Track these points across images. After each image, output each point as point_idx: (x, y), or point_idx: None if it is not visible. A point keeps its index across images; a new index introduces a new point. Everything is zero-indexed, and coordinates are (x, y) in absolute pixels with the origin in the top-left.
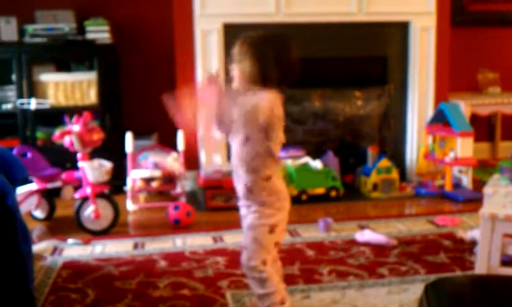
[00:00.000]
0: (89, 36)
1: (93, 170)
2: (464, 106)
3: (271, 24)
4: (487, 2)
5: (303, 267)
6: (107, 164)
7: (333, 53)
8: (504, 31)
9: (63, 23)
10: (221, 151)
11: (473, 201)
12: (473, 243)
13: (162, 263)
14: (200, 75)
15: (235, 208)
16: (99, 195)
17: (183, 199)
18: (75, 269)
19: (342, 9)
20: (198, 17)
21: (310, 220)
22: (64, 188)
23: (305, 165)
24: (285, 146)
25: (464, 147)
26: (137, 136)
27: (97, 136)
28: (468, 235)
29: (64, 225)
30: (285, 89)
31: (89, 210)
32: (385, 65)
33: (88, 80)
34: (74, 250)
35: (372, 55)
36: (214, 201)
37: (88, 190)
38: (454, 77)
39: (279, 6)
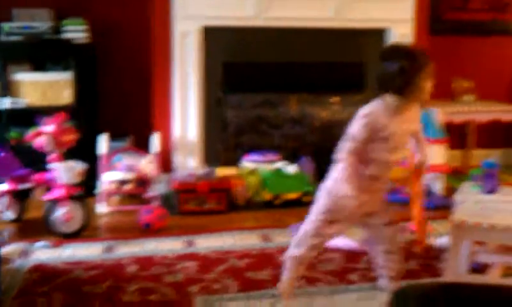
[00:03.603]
0: (66, 35)
1: (65, 171)
2: (439, 113)
3: (250, 28)
4: (463, 11)
5: (274, 272)
6: (80, 166)
7: (311, 58)
8: (479, 40)
9: (40, 22)
10: (196, 155)
11: (445, 208)
12: (443, 250)
13: (132, 268)
14: (177, 77)
15: (208, 212)
16: (71, 197)
17: (156, 203)
18: (44, 273)
19: (321, 14)
20: (176, 19)
21: (283, 225)
22: (36, 190)
23: (279, 170)
24: (261, 150)
25: (437, 154)
26: (112, 138)
27: (70, 137)
28: (438, 241)
29: (35, 227)
30: (261, 94)
31: (60, 212)
32: (363, 71)
33: (64, 80)
34: (43, 253)
35: (349, 61)
36: (187, 205)
37: (60, 192)
38: None
39: (258, 10)
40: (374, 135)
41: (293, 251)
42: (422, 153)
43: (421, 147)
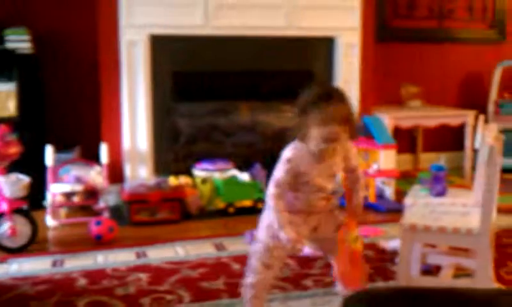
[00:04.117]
0: (9, 45)
1: (9, 185)
2: (387, 119)
3: (199, 37)
4: (409, 19)
5: (229, 281)
6: (25, 179)
7: (261, 66)
8: (425, 47)
9: None
10: (146, 164)
11: (396, 211)
12: (395, 253)
13: (82, 281)
14: (125, 86)
15: (160, 222)
16: (16, 211)
17: (106, 214)
18: None
19: (270, 23)
20: (123, 28)
21: (237, 233)
22: None
23: (232, 177)
24: (213, 158)
25: (386, 159)
26: (59, 149)
27: (14, 149)
28: (390, 245)
29: None
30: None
31: (5, 227)
32: (312, 79)
33: (7, 91)
34: None
35: (299, 70)
36: (139, 216)
37: (4, 206)
38: (378, 90)
39: (207, 18)
40: (296, 180)
41: (248, 279)
42: (357, 195)
43: (357, 188)
